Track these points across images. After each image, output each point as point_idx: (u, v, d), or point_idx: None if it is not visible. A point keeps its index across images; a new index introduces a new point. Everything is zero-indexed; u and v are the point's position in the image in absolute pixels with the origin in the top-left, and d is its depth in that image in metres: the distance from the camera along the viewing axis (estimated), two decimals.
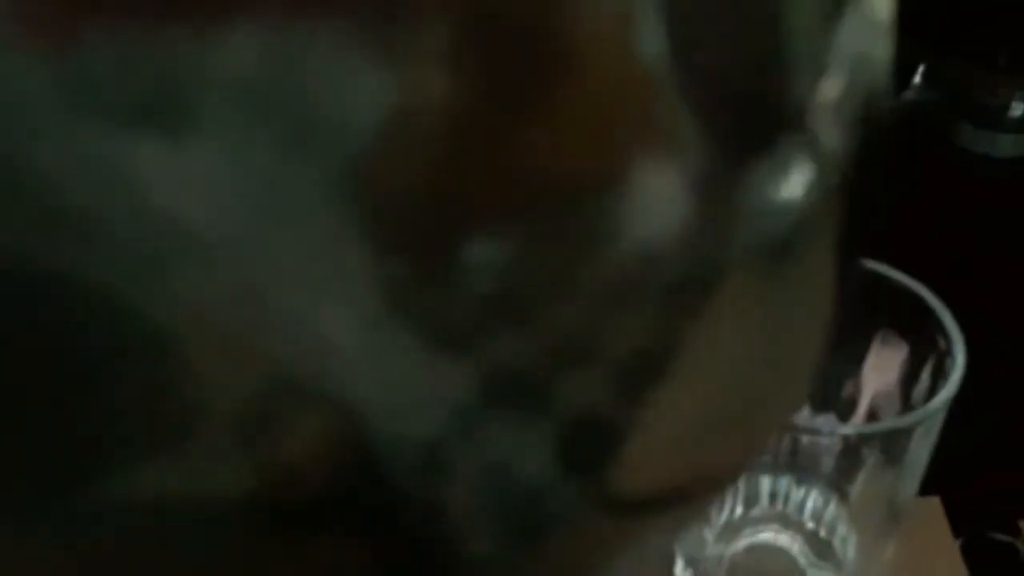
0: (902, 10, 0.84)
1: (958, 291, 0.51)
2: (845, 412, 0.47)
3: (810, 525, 0.49)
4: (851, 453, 0.44)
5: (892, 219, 0.67)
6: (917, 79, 0.80)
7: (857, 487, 0.46)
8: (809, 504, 0.49)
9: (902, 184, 0.72)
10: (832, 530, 0.49)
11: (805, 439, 0.45)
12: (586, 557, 0.18)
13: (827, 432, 0.42)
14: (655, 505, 0.18)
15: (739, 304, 0.17)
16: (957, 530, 0.50)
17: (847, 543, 0.48)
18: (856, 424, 0.43)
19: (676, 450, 0.18)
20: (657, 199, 0.15)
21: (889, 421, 0.41)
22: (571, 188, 0.15)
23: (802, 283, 0.18)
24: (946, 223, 0.69)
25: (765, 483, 0.49)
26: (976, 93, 0.77)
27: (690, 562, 0.48)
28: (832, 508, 0.49)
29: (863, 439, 0.42)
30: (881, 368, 0.46)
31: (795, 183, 0.17)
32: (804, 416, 0.47)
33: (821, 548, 0.48)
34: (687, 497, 0.19)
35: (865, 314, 0.45)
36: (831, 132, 0.17)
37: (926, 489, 0.52)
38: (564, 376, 0.16)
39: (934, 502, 0.51)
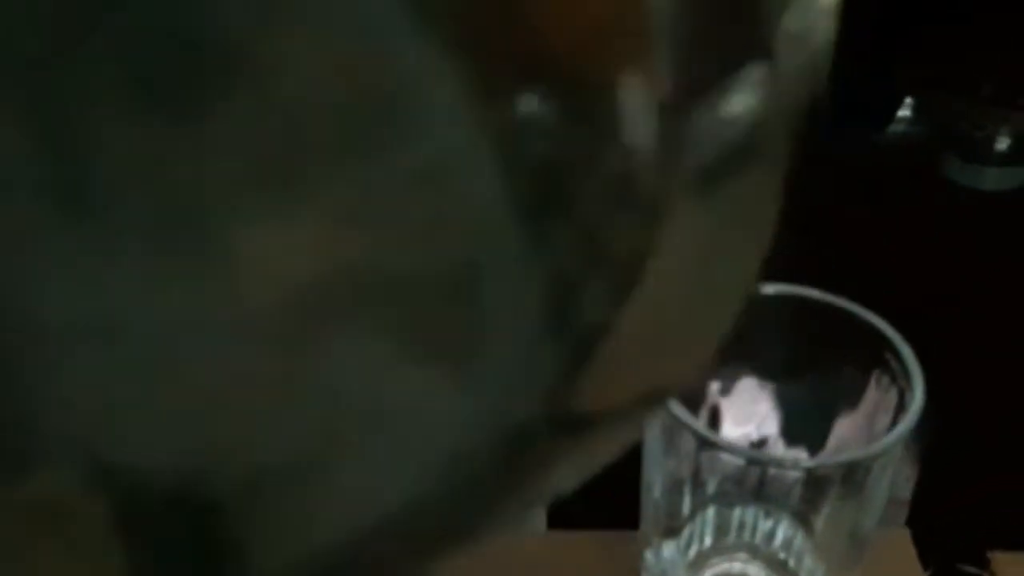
0: (888, 45, 0.85)
1: (942, 322, 0.52)
2: (814, 446, 0.48)
3: (780, 555, 0.50)
4: (815, 485, 0.45)
5: (878, 249, 0.68)
6: (904, 112, 0.81)
7: (822, 519, 0.47)
8: (778, 535, 0.49)
9: (889, 215, 0.73)
10: (800, 560, 0.49)
11: (772, 471, 0.45)
12: (529, 476, 0.19)
13: (791, 464, 0.43)
14: (603, 422, 0.19)
15: (697, 216, 0.19)
16: (926, 562, 0.51)
17: (815, 571, 0.49)
18: (820, 457, 0.43)
19: (634, 362, 0.19)
20: (642, 109, 0.16)
21: (849, 453, 0.41)
22: (574, 70, 0.16)
23: (750, 202, 0.20)
24: (932, 255, 0.69)
25: (735, 514, 0.49)
26: (962, 126, 0.78)
27: None
28: (799, 539, 0.49)
29: (825, 471, 0.43)
30: (847, 404, 0.47)
31: (754, 104, 0.18)
32: (774, 449, 0.48)
33: (787, 574, 0.49)
34: (631, 415, 0.20)
35: (832, 351, 0.46)
36: (790, 59, 0.19)
37: (895, 521, 0.52)
38: (587, 275, 0.17)
39: (903, 534, 0.52)
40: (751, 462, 0.43)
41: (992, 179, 0.76)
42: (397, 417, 0.17)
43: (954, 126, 0.77)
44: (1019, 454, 0.57)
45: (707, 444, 0.43)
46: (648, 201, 0.18)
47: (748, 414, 0.48)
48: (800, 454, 0.48)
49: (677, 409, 0.43)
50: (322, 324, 0.16)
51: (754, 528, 0.50)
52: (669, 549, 0.48)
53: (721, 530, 0.49)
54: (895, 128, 0.80)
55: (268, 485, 0.17)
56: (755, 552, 0.50)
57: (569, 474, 0.21)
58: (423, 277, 0.16)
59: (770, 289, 0.46)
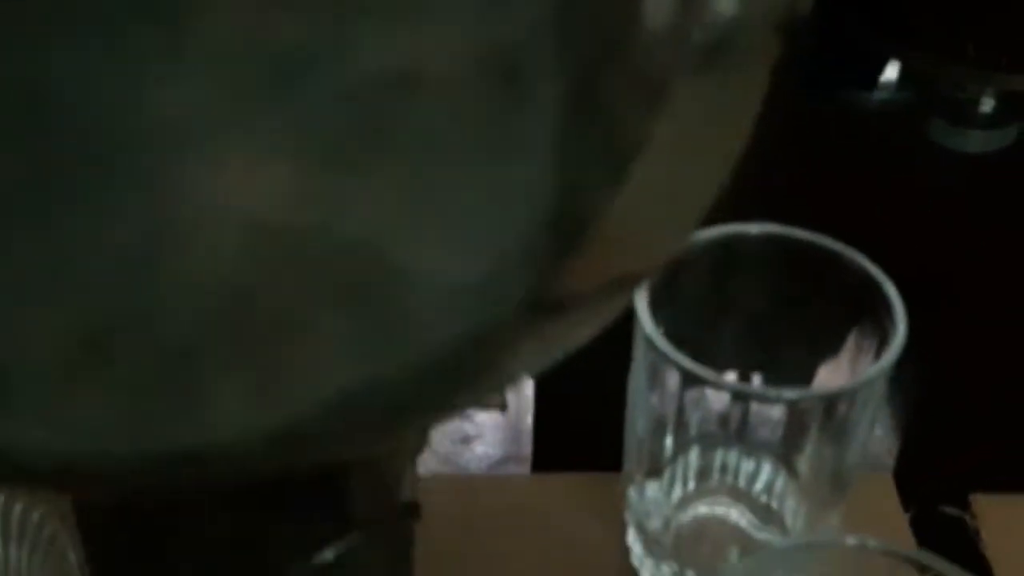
0: (871, 6, 0.85)
1: (927, 284, 0.52)
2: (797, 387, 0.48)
3: (762, 499, 0.50)
4: (797, 422, 0.45)
5: (864, 212, 0.68)
6: (889, 76, 0.81)
7: (804, 459, 0.47)
8: (760, 477, 0.50)
9: (875, 178, 0.73)
10: (782, 502, 0.49)
11: (755, 407, 0.45)
12: (498, 355, 0.20)
13: (773, 398, 0.43)
14: (575, 307, 0.20)
15: (690, 101, 0.19)
16: (907, 504, 0.51)
17: (796, 515, 0.49)
18: (803, 392, 0.43)
19: (614, 248, 0.19)
20: None
21: (830, 387, 0.42)
22: None
23: (737, 89, 0.21)
24: (918, 218, 0.70)
25: (718, 456, 0.50)
26: (946, 87, 0.78)
27: (640, 530, 0.49)
28: (781, 481, 0.49)
29: (807, 405, 0.43)
30: (830, 348, 0.47)
31: None
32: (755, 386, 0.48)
33: (769, 517, 0.49)
34: (601, 301, 0.21)
35: (816, 292, 0.46)
36: None
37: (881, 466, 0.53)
38: (594, 158, 0.18)
39: (886, 478, 0.52)
40: (735, 396, 0.44)
41: (977, 141, 0.76)
42: (387, 281, 0.18)
43: (938, 88, 0.78)
44: (1002, 406, 0.57)
45: (692, 379, 0.43)
46: (657, 80, 0.18)
47: (730, 358, 0.48)
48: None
49: (662, 345, 0.43)
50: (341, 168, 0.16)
51: (736, 470, 0.50)
52: (652, 489, 0.49)
53: (704, 472, 0.50)
54: (880, 93, 0.80)
55: (247, 337, 0.17)
56: (737, 495, 0.50)
57: (534, 358, 0.21)
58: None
59: (755, 228, 0.46)
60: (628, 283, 0.22)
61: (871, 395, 0.43)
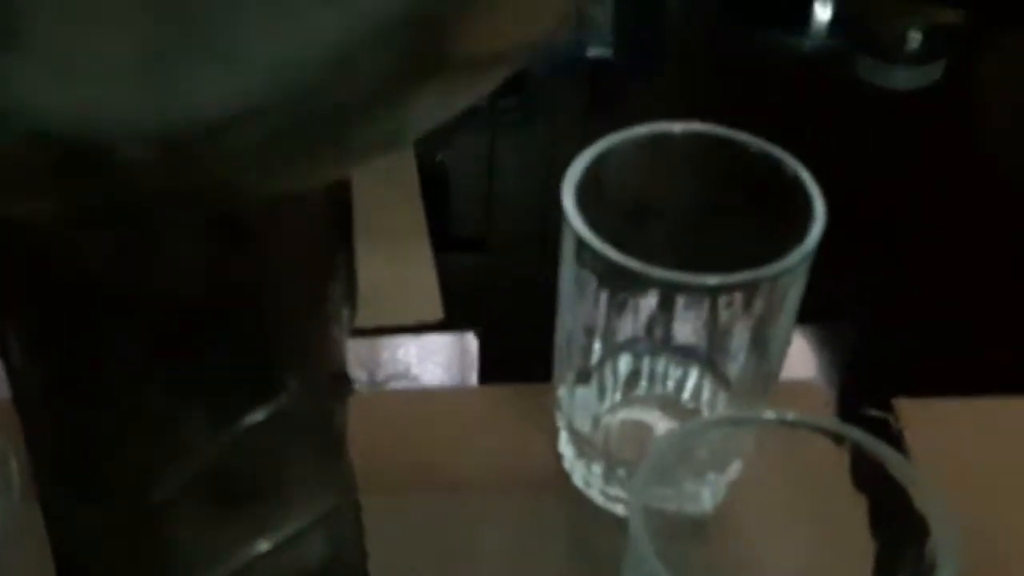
0: None
1: (859, 219, 0.53)
2: None
3: (690, 405, 0.51)
4: (720, 319, 0.46)
5: (793, 149, 0.69)
6: (821, 18, 0.82)
7: (730, 362, 0.48)
8: (688, 384, 0.51)
9: (805, 115, 0.74)
10: (711, 408, 0.50)
11: (679, 309, 0.46)
12: (394, 100, 0.20)
13: (697, 285, 0.43)
14: (469, 67, 0.20)
15: None
16: (834, 408, 0.52)
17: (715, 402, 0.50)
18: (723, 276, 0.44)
19: (509, 10, 0.20)
20: None
21: (754, 272, 0.42)
22: None
23: None
24: (847, 154, 0.71)
25: (645, 363, 0.50)
26: (875, 23, 0.79)
27: (571, 432, 0.49)
28: (708, 386, 0.50)
29: (731, 289, 0.44)
30: (755, 244, 0.48)
31: None
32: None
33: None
34: (494, 64, 0.22)
35: (739, 188, 0.47)
36: None
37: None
38: None
39: (809, 383, 0.53)
40: (661, 291, 0.44)
41: (903, 78, 0.78)
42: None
43: (865, 24, 0.79)
44: (916, 308, 0.58)
45: (618, 274, 0.44)
46: None
47: (655, 259, 0.48)
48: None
49: (589, 238, 0.43)
50: None
51: (664, 377, 0.51)
52: (582, 393, 0.49)
53: (632, 379, 0.50)
54: (812, 36, 0.81)
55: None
56: (665, 403, 0.51)
57: (427, 113, 0.22)
58: None
59: (676, 127, 0.46)
60: (520, 50, 0.22)
61: (795, 278, 0.43)
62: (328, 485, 0.35)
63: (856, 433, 0.37)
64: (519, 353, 0.57)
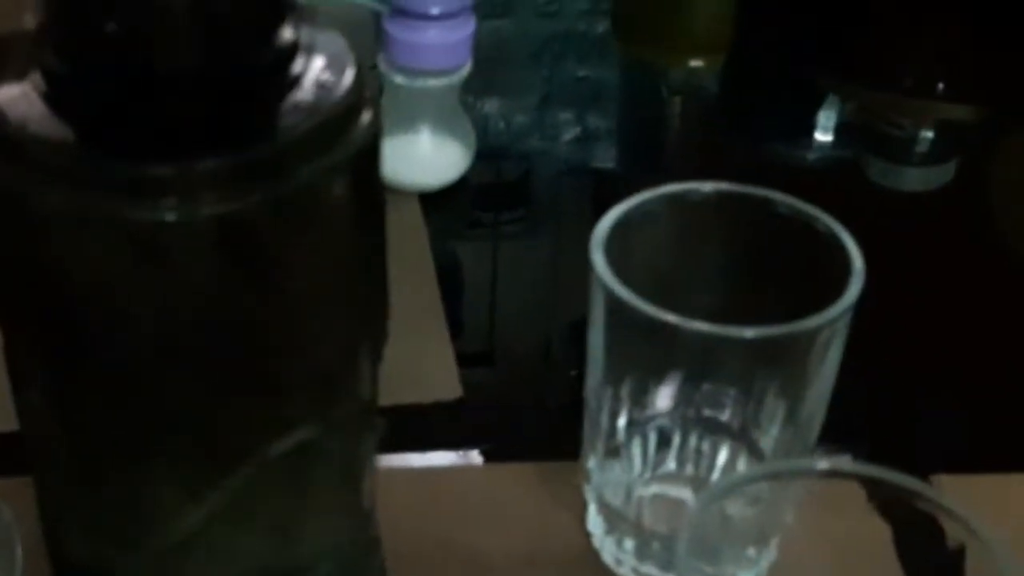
0: (807, 44, 0.86)
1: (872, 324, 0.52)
2: None
3: (714, 477, 0.49)
4: (754, 383, 0.44)
5: None
6: (827, 114, 0.82)
7: (763, 433, 0.46)
8: (719, 459, 0.49)
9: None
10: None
11: (711, 367, 0.45)
12: None
13: (734, 336, 0.42)
14: None
15: None
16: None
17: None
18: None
19: None
20: None
21: (789, 326, 0.41)
22: None
23: None
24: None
25: (676, 438, 0.49)
26: (884, 125, 0.79)
27: (600, 507, 0.47)
28: (742, 460, 0.49)
29: (766, 350, 0.42)
30: (789, 301, 0.46)
31: None
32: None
33: None
34: None
35: (772, 248, 0.46)
36: None
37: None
38: None
39: (844, 456, 0.51)
40: (698, 337, 0.42)
41: (913, 180, 0.77)
42: None
43: (876, 128, 0.79)
44: (957, 383, 0.57)
45: (656, 327, 0.42)
46: None
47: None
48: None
49: (622, 292, 0.42)
50: None
51: (697, 452, 0.49)
52: (612, 468, 0.48)
53: (662, 454, 0.49)
54: (820, 140, 0.81)
55: None
56: (697, 480, 0.49)
57: None
58: None
59: (706, 186, 0.46)
60: None
61: (831, 337, 0.42)
62: (347, 519, 0.33)
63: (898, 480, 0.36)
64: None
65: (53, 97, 0.27)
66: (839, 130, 0.81)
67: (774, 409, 0.45)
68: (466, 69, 0.64)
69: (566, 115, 0.81)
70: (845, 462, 0.37)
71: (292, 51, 0.29)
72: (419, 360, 0.54)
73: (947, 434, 0.55)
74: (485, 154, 0.70)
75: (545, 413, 0.57)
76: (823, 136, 0.81)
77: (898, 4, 0.88)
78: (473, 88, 0.70)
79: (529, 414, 0.57)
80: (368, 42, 0.66)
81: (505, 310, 0.67)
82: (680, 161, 0.83)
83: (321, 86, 0.29)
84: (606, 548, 0.48)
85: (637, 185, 0.80)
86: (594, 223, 0.78)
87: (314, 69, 0.29)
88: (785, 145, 0.81)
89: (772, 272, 0.45)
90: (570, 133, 0.80)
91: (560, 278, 0.68)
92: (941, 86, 0.84)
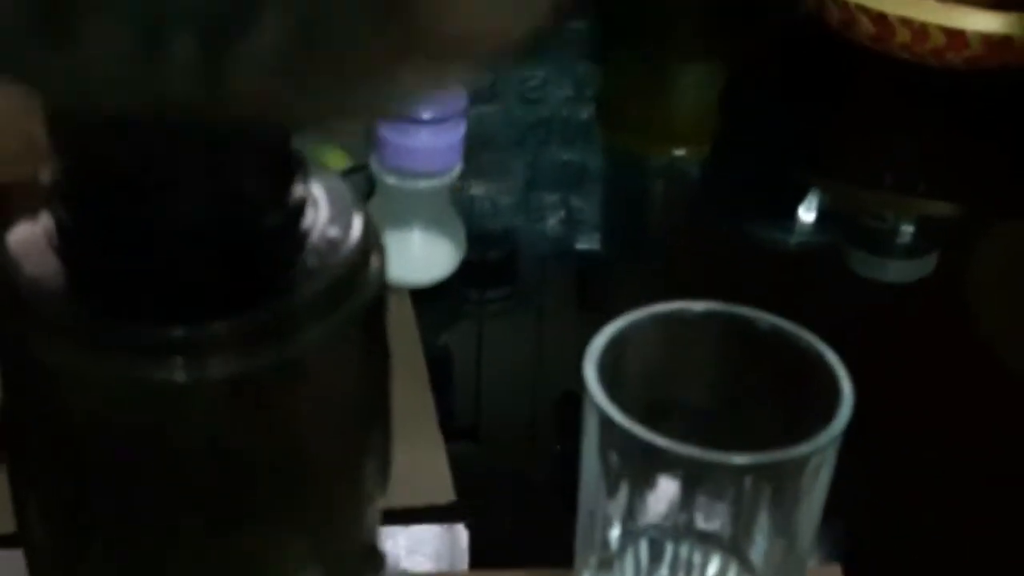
0: (789, 136, 0.87)
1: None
2: None
3: None
4: (745, 500, 0.45)
5: None
6: (808, 206, 0.83)
7: (754, 546, 0.47)
8: (710, 569, 0.49)
9: (793, 308, 0.74)
10: None
11: (702, 499, 0.45)
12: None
13: (724, 463, 0.42)
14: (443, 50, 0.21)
15: None
16: None
17: None
18: (746, 454, 0.43)
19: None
20: None
21: (781, 453, 0.41)
22: None
23: None
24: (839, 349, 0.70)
25: (668, 548, 0.49)
26: (865, 218, 0.80)
27: None
28: (733, 572, 0.49)
29: (757, 477, 0.43)
30: (780, 420, 0.47)
31: None
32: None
33: None
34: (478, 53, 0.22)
35: (761, 367, 0.46)
36: None
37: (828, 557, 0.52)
38: None
39: (834, 570, 0.51)
40: (687, 464, 0.43)
41: (896, 271, 0.78)
42: None
43: (858, 220, 0.80)
44: (950, 509, 0.57)
45: (645, 451, 0.43)
46: None
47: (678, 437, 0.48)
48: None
49: (614, 414, 0.43)
50: None
51: (689, 562, 0.49)
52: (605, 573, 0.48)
53: (654, 565, 0.49)
54: (800, 232, 0.82)
55: None
56: None
57: (409, 85, 0.23)
58: None
59: (697, 306, 0.46)
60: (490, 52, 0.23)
61: (823, 460, 0.43)
62: None
63: None
64: (509, 544, 0.55)
65: (64, 250, 0.28)
66: (820, 220, 0.82)
67: (765, 523, 0.46)
68: (457, 170, 0.65)
69: (551, 198, 0.81)
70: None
71: (301, 208, 0.29)
72: (411, 462, 0.53)
73: (935, 552, 0.55)
74: (472, 236, 0.70)
75: (532, 486, 0.57)
76: (804, 226, 0.82)
77: (879, 102, 0.90)
78: (460, 171, 0.70)
79: (517, 484, 0.57)
80: (360, 142, 0.67)
81: (492, 388, 0.67)
82: (662, 244, 0.84)
83: (329, 242, 0.29)
84: None
85: (620, 266, 0.81)
86: (579, 302, 0.78)
87: (321, 222, 0.29)
88: (767, 233, 0.82)
89: (762, 389, 0.46)
90: (555, 216, 0.80)
91: (544, 355, 0.69)
92: (921, 184, 0.85)
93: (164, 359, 0.26)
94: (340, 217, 0.30)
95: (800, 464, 0.42)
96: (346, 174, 0.70)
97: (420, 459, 0.55)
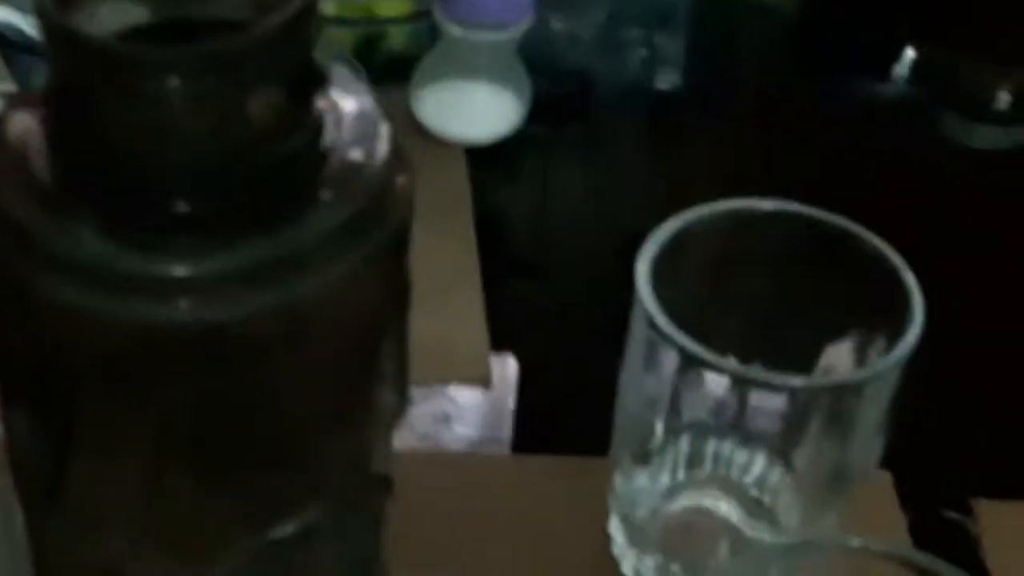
0: None
1: (932, 280, 0.49)
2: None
3: (753, 492, 0.47)
4: (798, 413, 0.42)
5: (871, 207, 0.66)
6: (903, 65, 0.79)
7: (802, 453, 0.45)
8: (753, 470, 0.47)
9: (883, 172, 0.71)
10: (775, 498, 0.47)
11: (754, 395, 0.43)
12: None
13: (776, 384, 0.40)
14: None
15: None
16: (907, 507, 0.49)
17: (790, 511, 0.46)
18: (809, 379, 0.41)
19: None
20: None
21: (840, 376, 0.39)
22: None
23: None
24: (925, 214, 0.67)
25: (710, 445, 0.47)
26: (963, 82, 0.76)
27: (624, 520, 0.46)
28: (776, 476, 0.47)
29: (810, 395, 0.41)
30: (838, 333, 0.44)
31: None
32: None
33: (760, 512, 0.46)
34: None
35: (828, 274, 0.43)
36: None
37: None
38: None
39: (884, 477, 0.49)
40: (735, 381, 0.41)
41: (989, 138, 0.74)
42: None
43: (953, 81, 0.75)
44: (1003, 405, 0.55)
45: (691, 361, 0.40)
46: None
47: (732, 339, 0.45)
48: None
49: (663, 323, 0.40)
50: None
51: (729, 461, 0.47)
52: (640, 477, 0.46)
53: (694, 461, 0.47)
54: (892, 86, 0.78)
55: None
56: (728, 487, 0.48)
57: None
58: None
59: (767, 204, 0.43)
60: None
61: (880, 389, 0.40)
62: None
63: (946, 570, 0.34)
64: (561, 382, 0.54)
65: (62, 177, 0.25)
66: (913, 78, 0.78)
67: (817, 432, 0.43)
68: (526, 23, 0.61)
69: (634, 34, 0.78)
70: (886, 546, 0.35)
71: (317, 130, 0.26)
72: (449, 338, 0.52)
73: (989, 457, 0.53)
74: (547, 72, 0.67)
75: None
76: (896, 82, 0.78)
77: None
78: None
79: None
80: None
81: (554, 228, 0.65)
82: (747, 87, 0.80)
83: (350, 168, 0.26)
84: (627, 560, 0.46)
85: (700, 110, 0.78)
86: (653, 146, 0.75)
87: (343, 141, 0.27)
88: (857, 85, 0.78)
89: (825, 300, 0.43)
90: (636, 54, 0.77)
91: (612, 199, 0.66)
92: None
93: (165, 298, 0.24)
94: (364, 138, 0.27)
95: (856, 390, 0.40)
96: (407, 21, 0.67)
97: (458, 334, 0.53)
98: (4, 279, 0.25)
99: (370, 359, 0.28)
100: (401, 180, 0.27)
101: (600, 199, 0.68)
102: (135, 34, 0.26)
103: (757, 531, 0.46)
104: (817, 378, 0.39)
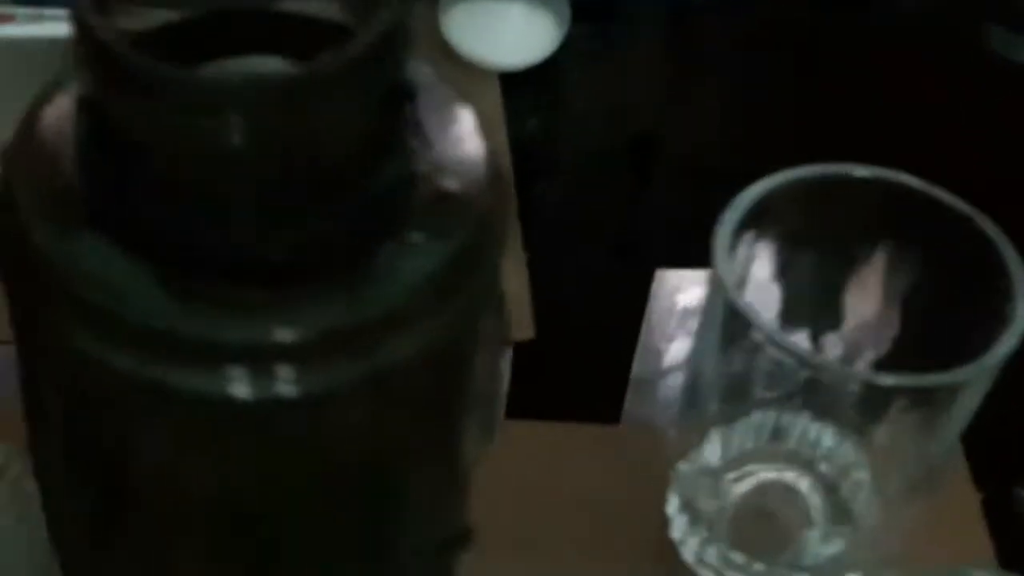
0: None
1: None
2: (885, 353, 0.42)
3: (821, 466, 0.44)
4: (878, 401, 0.39)
5: (913, 128, 0.62)
6: None
7: (883, 434, 0.41)
8: (823, 443, 0.44)
9: (925, 89, 0.67)
10: (844, 473, 0.44)
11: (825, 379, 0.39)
12: None
13: (857, 377, 0.37)
14: None
15: None
16: (980, 484, 0.46)
17: (859, 489, 0.43)
18: (900, 378, 0.37)
19: None
20: None
21: (935, 376, 0.35)
22: None
23: None
24: (972, 135, 0.64)
25: (782, 419, 0.44)
26: None
27: (687, 505, 0.43)
28: (847, 450, 0.44)
29: (897, 390, 0.37)
30: (933, 310, 0.41)
31: None
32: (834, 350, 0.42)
33: (835, 499, 0.43)
34: None
35: (925, 249, 0.39)
36: None
37: None
38: None
39: (956, 454, 0.46)
40: (812, 368, 0.37)
41: None
42: None
43: None
44: None
45: (771, 344, 0.37)
46: None
47: (811, 310, 0.42)
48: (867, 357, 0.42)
49: (744, 304, 0.37)
50: None
51: (802, 436, 0.44)
52: (709, 448, 0.43)
53: (761, 434, 0.44)
54: None
55: None
56: (795, 459, 0.44)
57: None
58: None
59: (864, 171, 0.39)
60: None
61: (982, 384, 0.37)
62: None
63: None
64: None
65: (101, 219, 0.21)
66: None
67: (897, 422, 0.40)
68: None
69: None
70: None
71: (407, 159, 0.22)
72: None
73: None
74: None
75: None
76: None
77: None
78: None
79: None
80: None
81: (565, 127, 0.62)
82: None
83: (442, 200, 0.22)
84: (688, 545, 0.43)
85: (721, 19, 0.73)
86: (668, 52, 0.72)
87: (431, 167, 0.22)
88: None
89: (917, 275, 0.40)
90: None
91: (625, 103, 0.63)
92: None
93: (217, 367, 0.20)
94: (459, 160, 0.23)
95: (952, 390, 0.36)
96: None
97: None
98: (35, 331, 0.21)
99: (459, 415, 0.24)
100: (499, 205, 0.23)
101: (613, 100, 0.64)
102: (179, 29, 0.22)
103: (828, 513, 0.43)
104: (906, 377, 0.36)
